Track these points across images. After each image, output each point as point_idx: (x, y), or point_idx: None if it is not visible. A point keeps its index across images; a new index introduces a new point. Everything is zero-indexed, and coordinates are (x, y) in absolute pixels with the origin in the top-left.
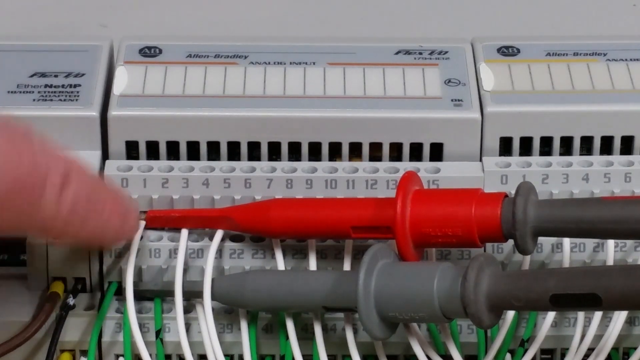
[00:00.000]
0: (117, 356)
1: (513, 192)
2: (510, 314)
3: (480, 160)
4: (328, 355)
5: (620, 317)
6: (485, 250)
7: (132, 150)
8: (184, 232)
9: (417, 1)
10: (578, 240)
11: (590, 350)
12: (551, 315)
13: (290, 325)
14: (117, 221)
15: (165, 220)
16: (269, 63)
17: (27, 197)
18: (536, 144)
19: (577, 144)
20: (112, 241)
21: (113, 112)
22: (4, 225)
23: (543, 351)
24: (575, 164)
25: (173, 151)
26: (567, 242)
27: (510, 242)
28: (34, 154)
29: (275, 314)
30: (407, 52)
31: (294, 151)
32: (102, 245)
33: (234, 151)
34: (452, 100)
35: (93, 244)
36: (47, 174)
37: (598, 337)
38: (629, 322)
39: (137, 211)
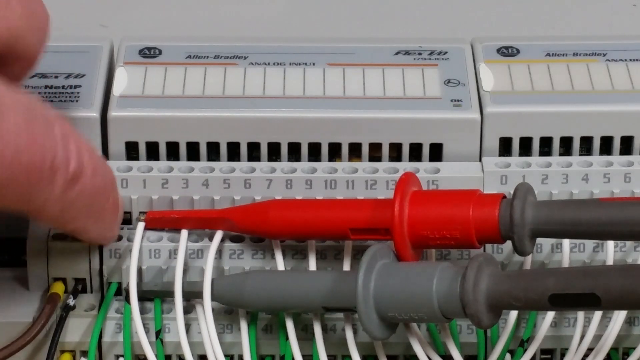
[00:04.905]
0: (117, 357)
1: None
2: (513, 315)
3: (480, 160)
4: (328, 356)
5: (619, 317)
6: (484, 250)
7: (132, 151)
8: (184, 233)
9: (417, 1)
10: (578, 241)
11: (590, 350)
12: (551, 315)
13: (290, 326)
14: (109, 231)
15: (164, 222)
16: (269, 64)
17: (32, 184)
18: (536, 144)
19: (576, 144)
20: (97, 240)
21: (113, 113)
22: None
23: (543, 351)
24: (575, 164)
25: (173, 152)
26: (566, 242)
27: (510, 242)
28: (52, 143)
29: (275, 314)
30: (407, 53)
31: (294, 152)
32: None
33: (233, 152)
34: (451, 100)
35: (81, 237)
36: (58, 167)
37: (597, 337)
38: (629, 322)
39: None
